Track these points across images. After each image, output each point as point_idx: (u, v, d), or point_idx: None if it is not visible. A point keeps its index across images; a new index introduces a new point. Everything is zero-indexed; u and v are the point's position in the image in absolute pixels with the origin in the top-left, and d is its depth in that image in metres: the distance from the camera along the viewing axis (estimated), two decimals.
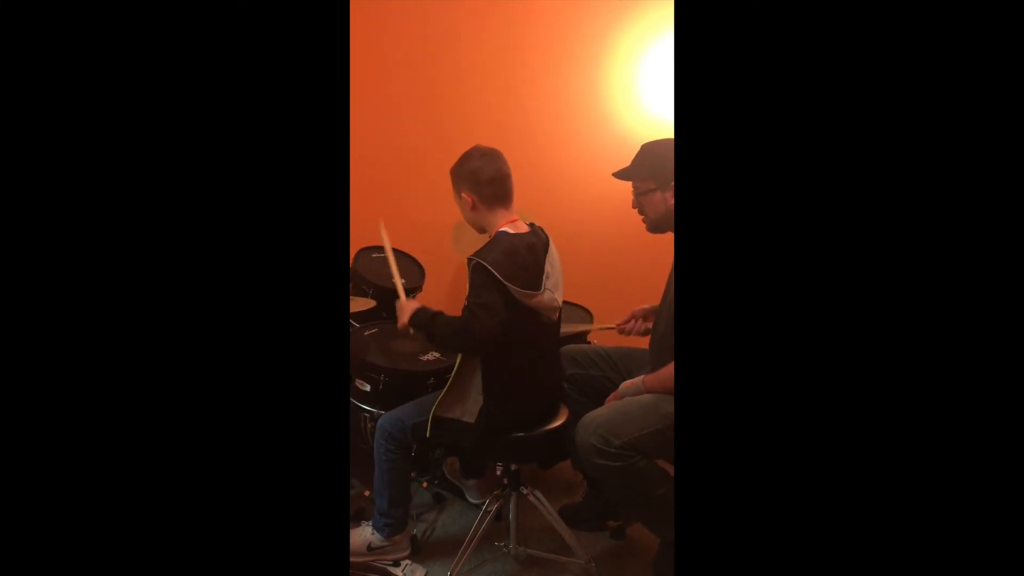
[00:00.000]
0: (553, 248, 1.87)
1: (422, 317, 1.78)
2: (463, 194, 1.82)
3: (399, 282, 1.98)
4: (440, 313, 1.78)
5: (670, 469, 1.79)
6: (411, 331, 1.81)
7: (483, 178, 1.79)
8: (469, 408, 1.78)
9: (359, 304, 2.32)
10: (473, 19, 2.95)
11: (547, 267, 1.81)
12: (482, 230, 1.89)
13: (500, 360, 1.75)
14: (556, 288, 1.83)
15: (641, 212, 1.90)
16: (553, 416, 1.88)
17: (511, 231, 1.80)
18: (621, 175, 1.90)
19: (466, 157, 1.83)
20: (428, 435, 1.81)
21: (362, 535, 1.94)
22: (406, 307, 1.82)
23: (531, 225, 1.86)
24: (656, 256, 2.08)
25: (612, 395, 1.89)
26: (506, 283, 1.66)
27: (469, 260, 1.70)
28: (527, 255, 1.75)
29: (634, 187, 1.89)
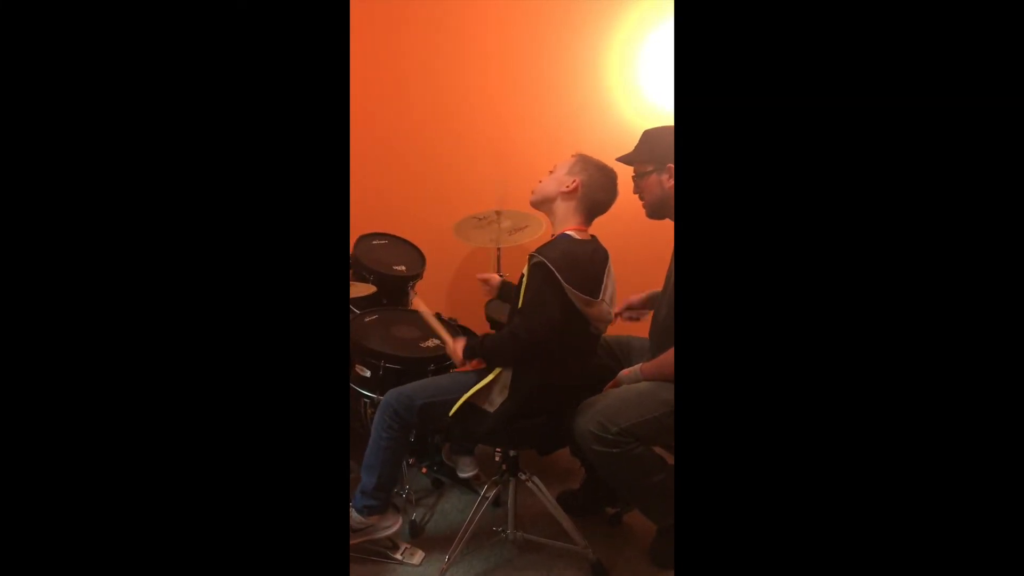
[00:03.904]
0: (610, 263, 1.86)
1: (473, 347, 1.78)
2: (577, 177, 1.81)
3: (443, 333, 1.98)
4: (486, 335, 1.79)
5: (667, 456, 1.81)
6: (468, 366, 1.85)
7: (600, 195, 1.82)
8: (494, 399, 1.77)
9: (360, 290, 2.33)
10: (474, 11, 2.94)
11: (605, 279, 1.80)
12: (543, 205, 1.88)
13: (535, 361, 1.73)
14: (611, 302, 1.83)
15: (640, 196, 1.90)
16: (561, 409, 1.87)
17: (575, 235, 1.79)
18: (624, 159, 1.91)
19: (603, 167, 1.84)
20: (451, 415, 1.77)
21: None
22: (456, 347, 1.83)
23: (593, 236, 1.87)
24: (656, 244, 2.08)
25: (610, 383, 1.90)
26: (565, 284, 1.64)
27: (531, 257, 1.69)
28: (588, 263, 1.74)
29: (635, 171, 1.90)
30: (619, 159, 1.91)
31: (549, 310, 1.65)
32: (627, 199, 1.94)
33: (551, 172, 1.88)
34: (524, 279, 1.72)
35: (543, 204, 1.88)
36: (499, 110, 3.01)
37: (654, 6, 2.85)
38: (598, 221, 1.89)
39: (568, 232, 1.80)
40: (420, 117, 3.04)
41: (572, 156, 1.87)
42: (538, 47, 2.96)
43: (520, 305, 1.71)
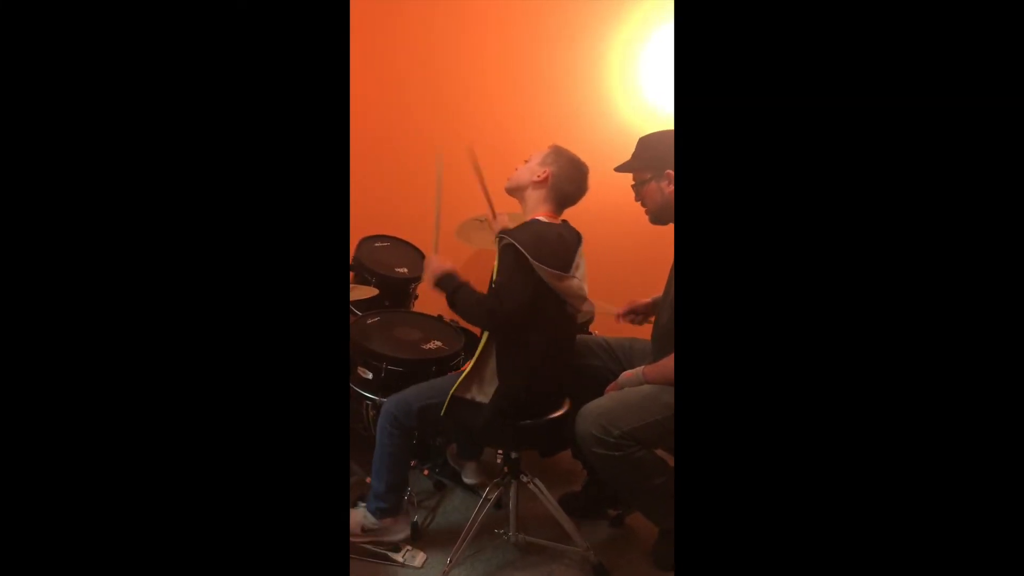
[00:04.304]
0: (582, 247, 1.89)
1: (447, 284, 1.78)
2: (548, 168, 1.84)
3: (436, 229, 1.95)
4: (466, 284, 1.79)
5: (669, 459, 1.80)
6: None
7: (568, 187, 1.85)
8: (485, 389, 1.80)
9: (362, 292, 2.32)
10: (474, 13, 2.94)
11: (577, 258, 1.83)
12: (516, 193, 1.90)
13: (515, 343, 1.77)
14: (584, 280, 1.86)
15: (642, 203, 1.92)
16: (558, 405, 1.89)
17: (544, 219, 1.83)
18: (622, 168, 1.92)
19: (574, 160, 1.86)
20: (443, 414, 1.80)
21: (355, 517, 1.94)
22: (435, 265, 1.81)
23: (563, 221, 1.89)
24: (658, 248, 2.08)
25: (612, 385, 1.90)
26: (534, 262, 1.67)
27: (500, 238, 1.72)
28: (557, 243, 1.77)
29: (634, 179, 1.92)
30: (617, 169, 1.92)
31: (520, 292, 1.69)
32: (629, 203, 1.95)
33: (526, 161, 1.91)
34: (496, 261, 1.75)
35: (516, 191, 1.91)
36: (499, 115, 3.00)
37: (654, 7, 2.85)
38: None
39: (538, 217, 1.84)
40: (420, 117, 3.04)
41: (548, 147, 1.90)
42: (538, 47, 2.95)
43: (491, 285, 1.75)
